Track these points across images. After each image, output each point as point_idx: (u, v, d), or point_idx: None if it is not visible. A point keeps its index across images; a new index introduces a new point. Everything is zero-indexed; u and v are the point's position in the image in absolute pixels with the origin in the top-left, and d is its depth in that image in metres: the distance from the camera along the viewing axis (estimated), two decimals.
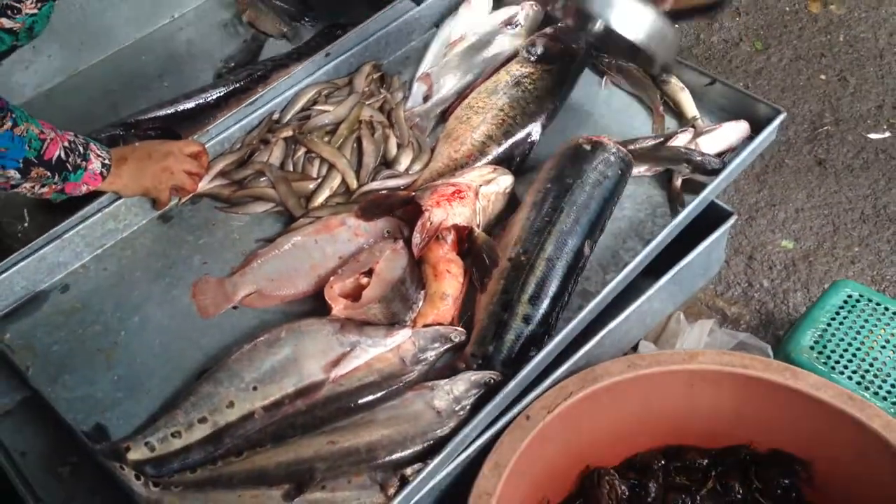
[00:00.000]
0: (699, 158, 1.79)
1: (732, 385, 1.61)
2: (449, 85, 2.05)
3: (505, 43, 2.11)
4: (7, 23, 1.39)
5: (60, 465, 1.52)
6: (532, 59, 2.01)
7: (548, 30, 2.07)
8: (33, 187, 1.56)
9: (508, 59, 2.04)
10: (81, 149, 1.62)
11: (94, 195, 1.73)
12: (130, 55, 2.40)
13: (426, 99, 2.05)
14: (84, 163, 1.62)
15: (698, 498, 1.66)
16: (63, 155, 1.57)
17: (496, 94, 1.96)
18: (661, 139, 1.87)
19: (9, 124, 1.46)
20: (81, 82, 2.34)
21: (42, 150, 1.53)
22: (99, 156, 1.66)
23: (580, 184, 1.72)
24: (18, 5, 1.38)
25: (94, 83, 2.33)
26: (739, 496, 1.66)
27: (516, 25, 2.13)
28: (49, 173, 1.55)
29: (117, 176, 1.71)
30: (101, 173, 1.67)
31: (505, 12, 2.16)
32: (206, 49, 2.41)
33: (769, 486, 1.65)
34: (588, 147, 1.77)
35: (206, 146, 1.89)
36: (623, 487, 1.63)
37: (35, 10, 1.40)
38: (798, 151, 2.51)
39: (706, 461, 1.69)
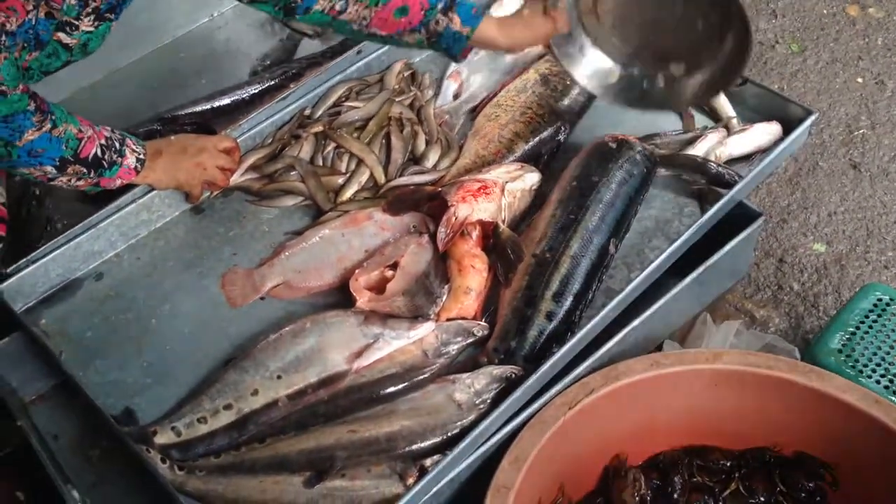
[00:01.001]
0: (714, 171, 1.77)
1: (757, 386, 1.60)
2: (478, 83, 2.07)
3: None
4: (64, 38, 1.41)
5: (91, 448, 1.55)
6: None
7: None
8: (69, 180, 1.59)
9: (537, 58, 2.05)
10: (118, 144, 1.65)
11: (128, 186, 1.76)
12: (169, 53, 2.43)
13: (456, 97, 2.07)
14: (120, 158, 1.65)
15: (721, 500, 1.65)
16: (99, 152, 1.60)
17: (525, 93, 1.97)
18: (691, 137, 1.86)
19: (48, 126, 1.48)
20: (121, 79, 2.36)
21: (79, 149, 1.56)
22: (134, 151, 1.69)
23: (606, 182, 1.72)
24: (76, 22, 1.40)
25: (133, 80, 2.35)
26: (763, 499, 1.64)
27: None
28: (85, 170, 1.59)
29: (151, 170, 1.74)
30: (136, 168, 1.70)
31: None
32: (243, 47, 2.44)
33: (794, 489, 1.63)
34: (614, 146, 1.77)
35: (239, 140, 1.92)
36: (645, 487, 1.62)
37: (91, 28, 1.42)
38: (833, 154, 2.47)
39: (729, 462, 1.67)
